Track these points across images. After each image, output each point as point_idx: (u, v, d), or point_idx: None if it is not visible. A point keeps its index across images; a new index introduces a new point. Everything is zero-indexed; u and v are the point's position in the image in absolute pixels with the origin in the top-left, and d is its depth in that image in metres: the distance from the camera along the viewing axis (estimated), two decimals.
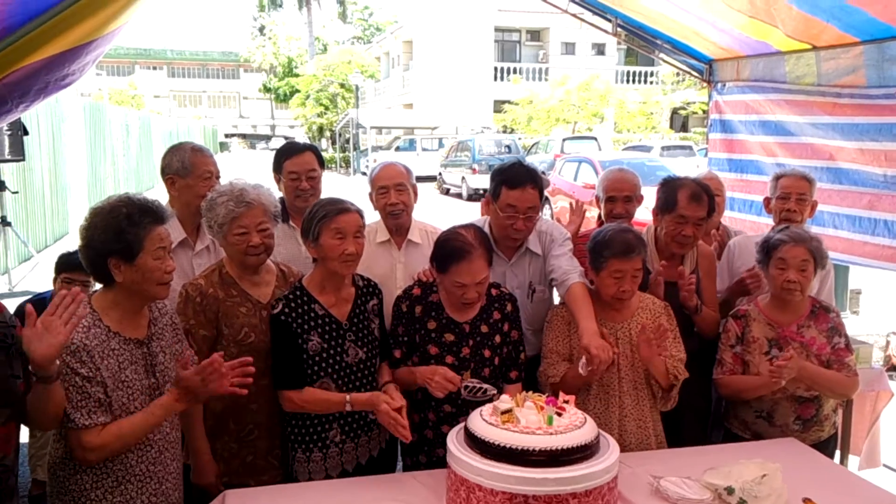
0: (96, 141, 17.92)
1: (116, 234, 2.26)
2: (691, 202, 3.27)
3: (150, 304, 2.47)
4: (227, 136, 63.46)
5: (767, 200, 3.83)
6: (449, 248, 2.76)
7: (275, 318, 2.75)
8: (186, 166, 3.33)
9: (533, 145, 25.52)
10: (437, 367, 2.74)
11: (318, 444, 2.83)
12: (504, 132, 30.47)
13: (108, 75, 56.54)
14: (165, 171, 3.37)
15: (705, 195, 3.31)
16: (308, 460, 2.83)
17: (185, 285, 2.81)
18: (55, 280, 4.06)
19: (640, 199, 3.82)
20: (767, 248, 3.14)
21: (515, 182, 3.07)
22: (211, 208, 2.80)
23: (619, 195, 3.76)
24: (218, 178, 3.39)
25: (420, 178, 3.51)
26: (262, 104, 70.03)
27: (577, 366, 2.80)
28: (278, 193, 3.55)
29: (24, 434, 2.63)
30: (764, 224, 4.83)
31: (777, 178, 3.80)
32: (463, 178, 23.37)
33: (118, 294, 2.35)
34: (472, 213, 3.48)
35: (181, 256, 3.20)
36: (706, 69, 5.68)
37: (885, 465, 4.36)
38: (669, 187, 3.37)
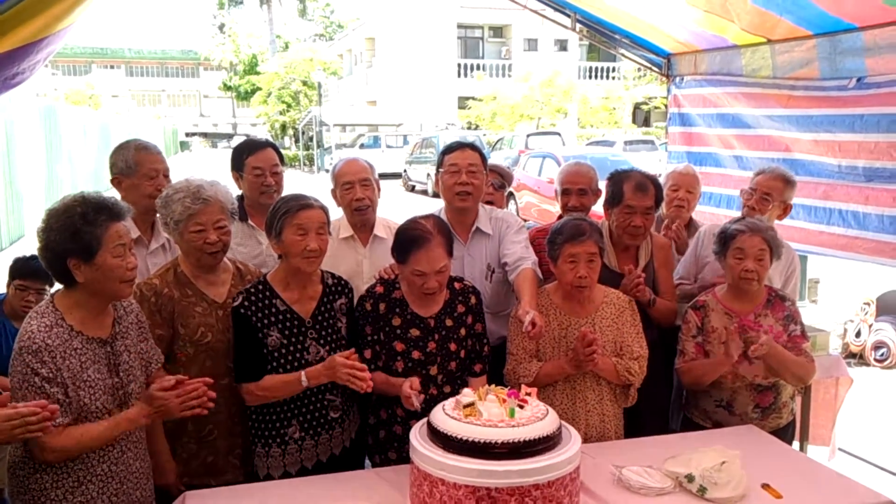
0: (52, 142, 17.55)
1: (73, 233, 2.22)
2: (637, 192, 3.32)
3: (114, 302, 2.43)
4: (188, 135, 62.51)
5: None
6: (408, 237, 2.76)
7: (235, 311, 2.73)
8: (131, 165, 3.23)
9: (497, 141, 25.60)
10: (406, 380, 2.69)
11: (277, 439, 2.81)
12: (468, 128, 30.48)
13: (63, 75, 55.55)
14: (112, 171, 3.28)
15: (651, 185, 3.36)
16: (267, 455, 2.82)
17: (140, 285, 2.75)
18: (9, 285, 3.97)
19: (598, 193, 3.83)
20: (724, 239, 3.18)
21: (453, 147, 3.37)
22: (166, 205, 2.74)
23: (574, 188, 3.78)
24: (166, 175, 3.30)
25: (385, 175, 3.51)
26: (223, 103, 69.08)
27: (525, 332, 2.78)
28: (237, 191, 3.50)
29: None
30: (722, 215, 4.91)
31: (756, 173, 3.84)
32: (428, 174, 23.26)
33: (80, 294, 2.31)
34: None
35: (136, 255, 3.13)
36: (664, 63, 5.75)
37: (840, 450, 4.45)
38: (616, 180, 3.43)
